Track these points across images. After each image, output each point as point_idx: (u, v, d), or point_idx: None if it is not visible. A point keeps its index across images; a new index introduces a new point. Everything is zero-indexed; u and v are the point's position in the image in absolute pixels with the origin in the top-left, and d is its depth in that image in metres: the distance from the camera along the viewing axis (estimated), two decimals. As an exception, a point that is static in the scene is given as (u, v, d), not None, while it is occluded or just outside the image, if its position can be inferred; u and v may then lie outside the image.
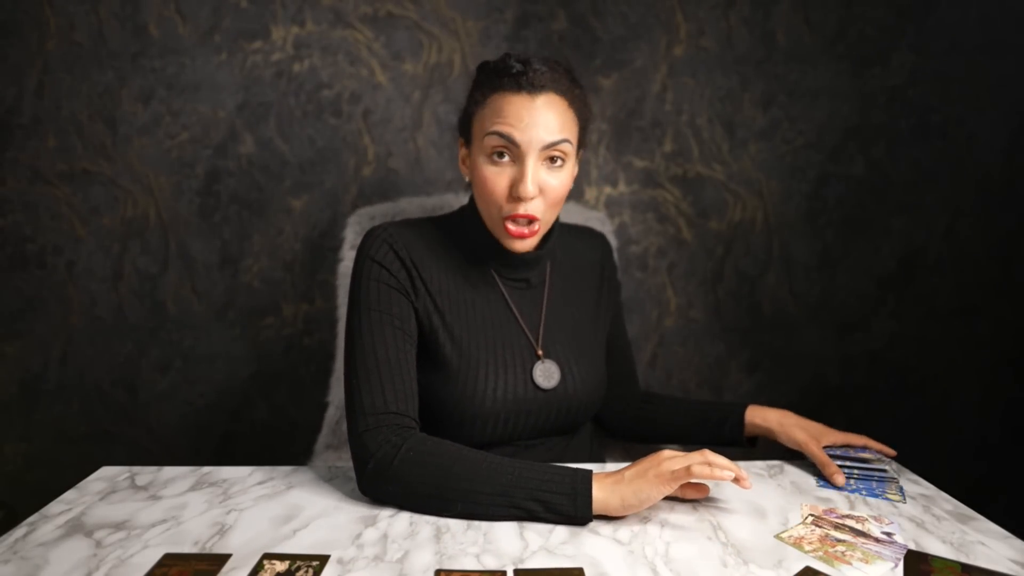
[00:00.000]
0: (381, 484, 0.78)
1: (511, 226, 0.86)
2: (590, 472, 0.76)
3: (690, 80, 1.61)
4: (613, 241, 1.26)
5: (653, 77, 1.61)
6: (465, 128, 0.92)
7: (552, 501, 0.74)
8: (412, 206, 1.23)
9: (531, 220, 0.85)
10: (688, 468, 0.73)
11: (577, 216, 1.27)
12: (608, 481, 0.75)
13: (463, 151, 0.94)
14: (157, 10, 1.50)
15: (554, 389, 0.93)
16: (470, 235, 0.95)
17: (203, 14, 1.51)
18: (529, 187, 0.82)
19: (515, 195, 0.84)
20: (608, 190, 1.65)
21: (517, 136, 0.83)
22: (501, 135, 0.83)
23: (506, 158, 0.84)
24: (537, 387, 0.92)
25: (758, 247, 1.70)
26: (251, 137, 1.56)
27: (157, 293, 1.61)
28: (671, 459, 0.75)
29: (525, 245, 0.88)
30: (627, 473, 0.75)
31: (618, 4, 1.57)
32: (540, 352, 0.94)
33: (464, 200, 1.20)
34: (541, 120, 0.83)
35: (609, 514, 0.75)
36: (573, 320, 1.00)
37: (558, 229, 1.00)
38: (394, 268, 0.90)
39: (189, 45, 1.52)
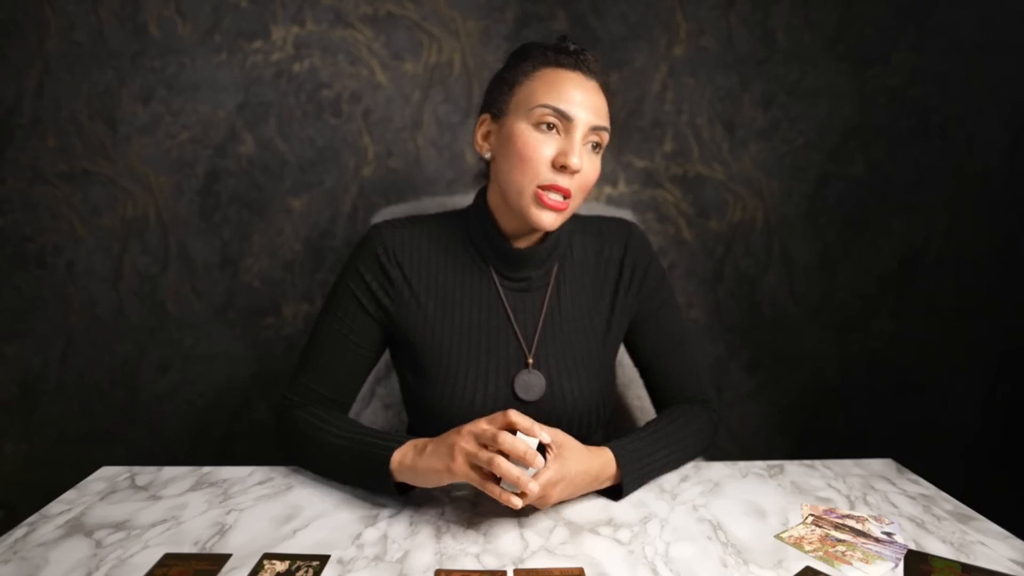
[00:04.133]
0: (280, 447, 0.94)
1: (547, 196, 0.83)
2: (388, 457, 0.78)
3: (690, 80, 1.61)
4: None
5: (653, 77, 1.61)
6: (497, 101, 0.88)
7: (368, 485, 0.82)
8: (435, 205, 1.20)
9: (566, 195, 0.83)
10: (482, 483, 0.70)
11: (600, 213, 1.24)
12: (408, 460, 0.77)
13: (485, 127, 0.90)
14: (157, 10, 1.50)
15: (538, 402, 0.89)
16: (474, 231, 0.93)
17: (203, 14, 1.51)
18: (576, 159, 0.82)
19: (561, 164, 0.82)
20: (608, 190, 1.65)
21: (572, 111, 0.82)
22: (555, 108, 0.82)
23: (553, 130, 0.83)
24: (519, 399, 0.88)
25: (758, 247, 1.70)
26: (251, 137, 1.56)
27: (157, 293, 1.61)
28: (462, 450, 0.71)
29: (553, 220, 0.84)
30: (428, 448, 0.75)
31: (618, 4, 1.57)
32: (530, 361, 0.90)
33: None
34: (593, 102, 0.84)
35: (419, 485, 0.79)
36: (575, 327, 0.94)
37: (567, 227, 0.96)
38: (370, 275, 0.91)
39: (189, 45, 1.52)
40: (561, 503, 0.80)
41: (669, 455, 0.88)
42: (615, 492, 0.83)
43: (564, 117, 0.82)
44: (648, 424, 0.92)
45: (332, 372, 0.92)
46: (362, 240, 0.94)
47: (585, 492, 0.81)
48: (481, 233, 0.92)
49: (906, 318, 1.75)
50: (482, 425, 0.72)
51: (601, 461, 0.80)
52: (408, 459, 0.77)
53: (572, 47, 0.86)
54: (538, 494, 0.70)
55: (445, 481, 0.74)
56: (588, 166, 0.85)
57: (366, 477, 0.81)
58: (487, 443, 0.70)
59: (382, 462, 0.78)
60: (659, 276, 1.00)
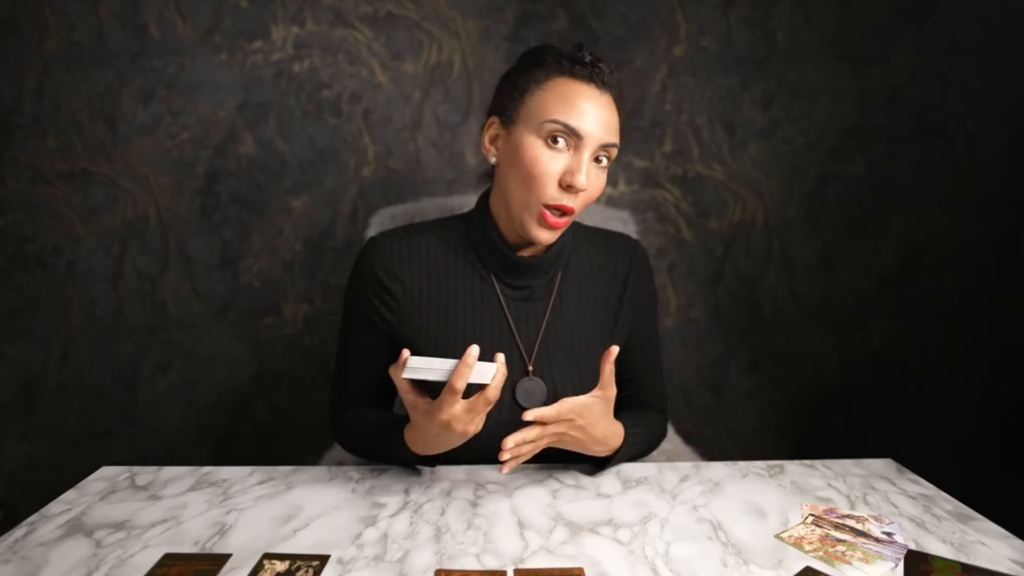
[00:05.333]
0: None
1: (550, 215, 0.83)
2: (401, 439, 0.84)
3: (690, 80, 1.61)
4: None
5: (653, 77, 1.61)
6: (507, 106, 0.86)
7: (401, 462, 0.89)
8: (433, 206, 1.21)
9: (568, 212, 0.84)
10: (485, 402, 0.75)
11: (598, 215, 1.23)
12: (419, 436, 0.80)
13: (493, 131, 0.89)
14: (157, 10, 1.50)
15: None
16: (475, 238, 0.92)
17: (203, 14, 1.51)
18: (583, 179, 0.81)
19: (567, 183, 0.82)
20: (608, 190, 1.65)
21: (584, 128, 0.81)
22: (566, 125, 0.81)
23: (561, 144, 0.82)
24: (521, 406, 0.88)
25: (758, 247, 1.70)
26: (251, 137, 1.56)
27: (157, 293, 1.61)
28: (464, 421, 0.75)
29: (551, 236, 0.85)
30: (433, 428, 0.77)
31: (618, 4, 1.57)
32: (530, 368, 0.90)
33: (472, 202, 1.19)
34: (605, 118, 0.83)
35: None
36: (578, 336, 0.94)
37: (572, 236, 0.97)
38: (372, 294, 0.92)
39: (189, 45, 1.52)
40: (560, 502, 0.80)
41: (638, 455, 0.96)
42: (597, 461, 0.90)
43: (575, 134, 0.81)
44: (641, 418, 0.97)
45: (363, 385, 0.97)
46: (360, 258, 0.94)
47: (580, 450, 0.86)
48: (483, 241, 0.91)
49: (906, 318, 1.75)
50: (456, 410, 0.75)
51: (614, 431, 0.87)
52: (417, 442, 0.82)
53: (588, 57, 0.84)
54: (552, 415, 0.78)
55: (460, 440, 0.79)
56: (595, 182, 0.85)
57: (399, 459, 0.88)
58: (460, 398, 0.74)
59: (402, 445, 0.85)
60: (654, 297, 1.05)
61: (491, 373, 0.73)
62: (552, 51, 0.86)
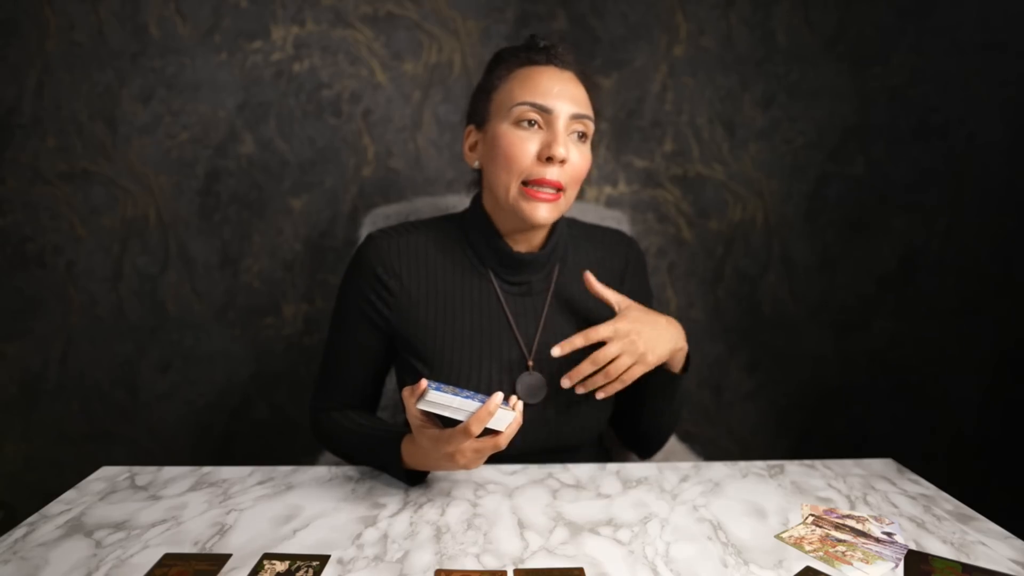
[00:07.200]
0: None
1: (536, 190, 0.83)
2: (397, 452, 0.82)
3: (690, 80, 1.61)
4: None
5: (653, 77, 1.61)
6: (479, 110, 0.90)
7: (388, 471, 0.87)
8: (426, 205, 1.22)
9: (557, 187, 0.84)
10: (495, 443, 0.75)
11: (593, 215, 1.24)
12: (418, 454, 0.80)
13: (471, 139, 0.92)
14: (157, 10, 1.50)
15: (540, 405, 0.89)
16: (471, 236, 0.93)
17: (203, 14, 1.51)
18: (561, 148, 0.82)
19: (546, 155, 0.83)
20: (608, 190, 1.65)
21: (550, 102, 0.83)
22: (533, 104, 0.83)
23: (535, 126, 0.84)
24: (524, 403, 0.88)
25: (758, 247, 1.70)
26: (251, 137, 1.56)
27: (157, 293, 1.61)
28: (468, 458, 0.75)
29: (547, 213, 0.85)
30: (436, 454, 0.76)
31: (618, 4, 1.57)
32: (531, 363, 0.91)
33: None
34: (570, 91, 0.85)
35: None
36: (576, 331, 0.93)
37: (567, 230, 0.97)
38: (370, 290, 0.91)
39: (189, 45, 1.52)
40: (560, 502, 0.80)
41: (680, 403, 1.01)
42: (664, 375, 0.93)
43: (543, 110, 0.83)
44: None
45: (351, 385, 0.96)
46: (358, 253, 0.94)
47: (669, 347, 0.89)
48: (480, 237, 0.92)
49: (906, 318, 1.75)
50: (473, 446, 0.74)
51: (676, 331, 0.92)
52: (418, 458, 0.80)
53: (542, 43, 0.88)
54: (607, 333, 0.83)
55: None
56: (576, 156, 0.85)
57: (386, 469, 0.87)
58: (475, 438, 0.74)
59: (392, 462, 0.84)
60: (650, 294, 1.06)
61: (507, 421, 0.73)
62: (508, 49, 0.90)
